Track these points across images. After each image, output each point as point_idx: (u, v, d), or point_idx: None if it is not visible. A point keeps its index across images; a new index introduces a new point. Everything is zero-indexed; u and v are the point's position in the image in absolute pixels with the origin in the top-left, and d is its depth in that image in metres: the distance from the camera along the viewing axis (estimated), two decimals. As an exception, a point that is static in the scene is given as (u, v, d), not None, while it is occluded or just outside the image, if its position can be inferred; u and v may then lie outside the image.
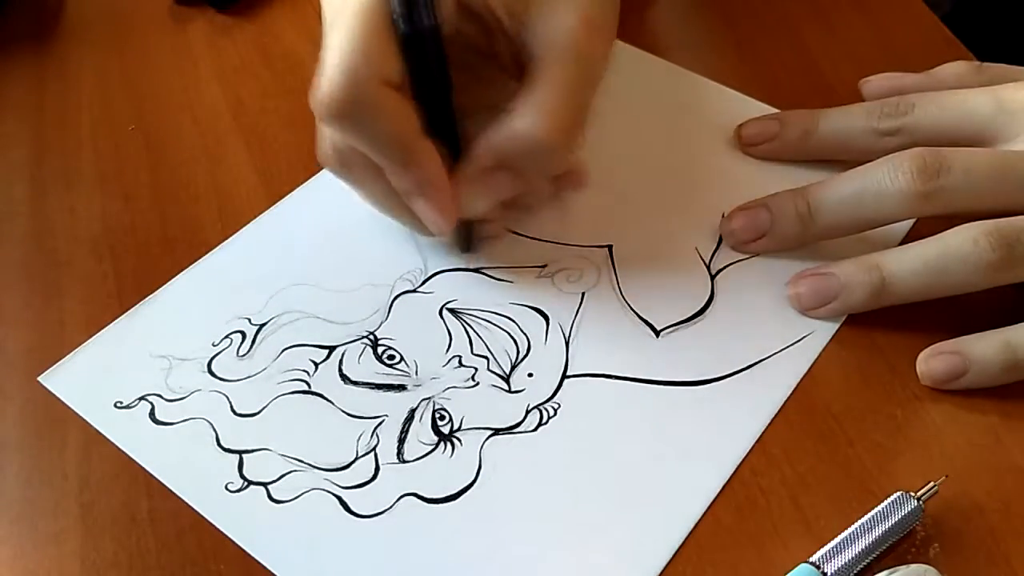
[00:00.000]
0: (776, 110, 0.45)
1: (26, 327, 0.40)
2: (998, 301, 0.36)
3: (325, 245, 0.42)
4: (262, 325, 0.39)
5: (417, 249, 0.41)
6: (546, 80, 0.35)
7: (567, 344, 0.38)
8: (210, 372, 0.38)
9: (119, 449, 0.36)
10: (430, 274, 0.41)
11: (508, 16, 0.36)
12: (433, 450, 0.35)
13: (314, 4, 0.53)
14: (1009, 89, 0.38)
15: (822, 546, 0.32)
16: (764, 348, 0.38)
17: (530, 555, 0.33)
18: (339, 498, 0.34)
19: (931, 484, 0.33)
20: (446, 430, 0.36)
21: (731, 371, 0.37)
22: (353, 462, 0.35)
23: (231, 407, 0.37)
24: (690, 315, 0.39)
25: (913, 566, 0.31)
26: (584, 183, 0.39)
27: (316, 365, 0.38)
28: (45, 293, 0.41)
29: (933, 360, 0.36)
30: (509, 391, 0.37)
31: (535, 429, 0.36)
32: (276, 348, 0.38)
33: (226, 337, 0.39)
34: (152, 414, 0.37)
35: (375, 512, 0.34)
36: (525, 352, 0.38)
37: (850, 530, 0.32)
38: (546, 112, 0.35)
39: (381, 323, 0.39)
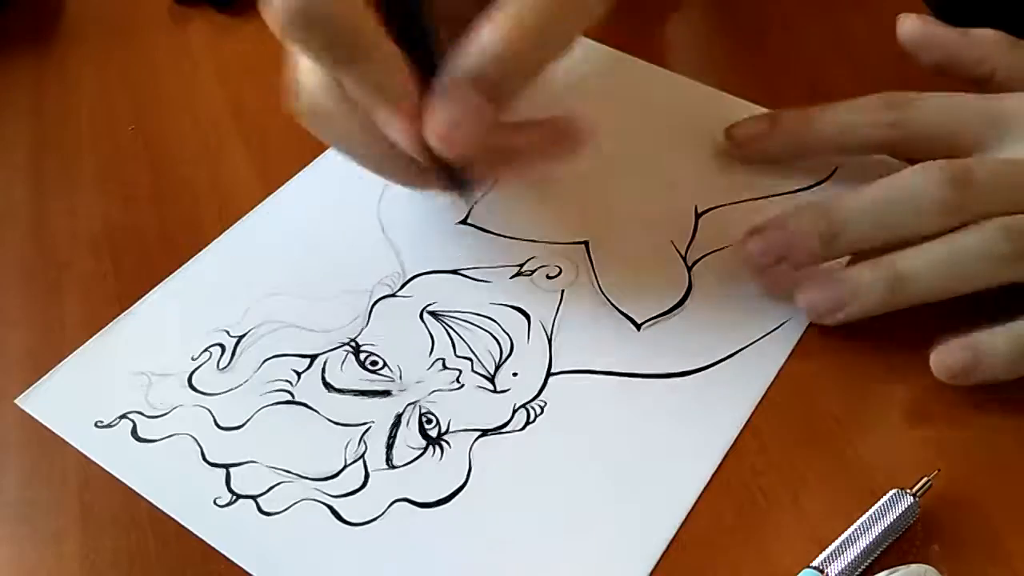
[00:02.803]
0: (754, 106, 0.45)
1: (26, 327, 0.40)
2: (1004, 299, 0.36)
3: (300, 253, 0.42)
4: (241, 337, 0.39)
5: (394, 253, 0.41)
6: None
7: (550, 342, 0.38)
8: (191, 387, 0.37)
9: (119, 449, 0.36)
10: (408, 277, 0.40)
11: None
12: (422, 454, 0.35)
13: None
14: (1007, 99, 0.38)
15: (822, 546, 0.32)
16: (744, 337, 0.38)
17: (524, 554, 0.33)
18: (330, 507, 0.34)
19: (924, 479, 0.33)
20: (434, 433, 0.36)
21: (713, 361, 0.37)
22: (342, 470, 0.35)
23: (215, 421, 0.36)
24: (669, 307, 0.39)
25: (913, 566, 0.31)
26: (582, 143, 0.37)
27: (299, 375, 0.37)
28: (45, 293, 0.41)
29: (947, 356, 0.35)
30: (495, 391, 0.37)
31: (523, 428, 0.36)
32: (257, 359, 0.38)
33: (205, 350, 0.38)
34: (134, 432, 0.36)
35: (367, 519, 0.34)
36: (508, 352, 0.38)
37: (849, 531, 0.32)
38: (512, 19, 0.33)
39: (362, 329, 0.39)
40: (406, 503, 0.34)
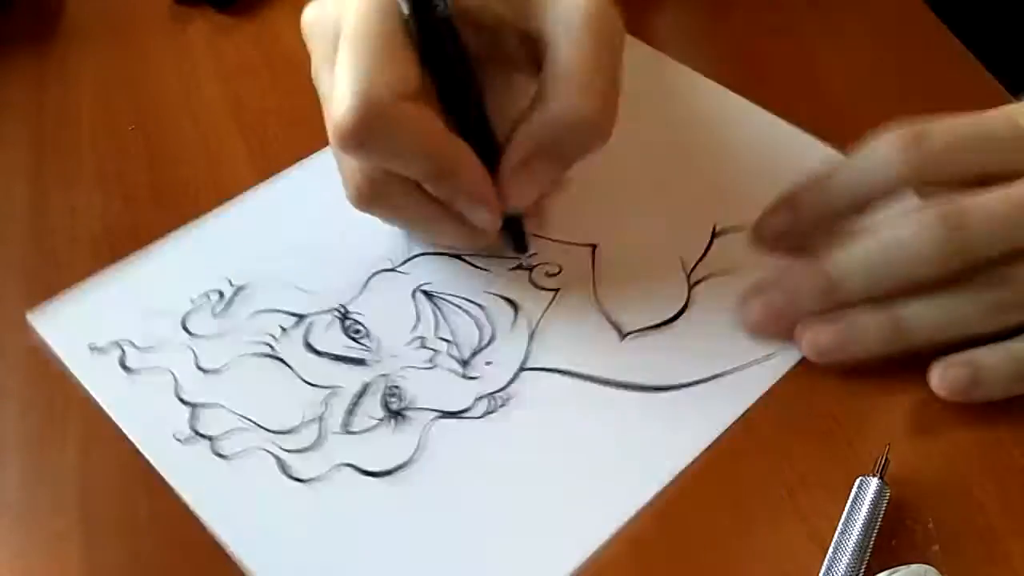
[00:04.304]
0: (779, 119, 0.45)
1: (26, 327, 0.40)
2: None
3: (314, 221, 0.42)
4: (241, 287, 0.40)
5: (404, 232, 0.42)
6: (569, 58, 0.34)
7: (531, 337, 0.38)
8: (183, 326, 0.39)
9: (119, 449, 0.36)
10: (411, 255, 0.41)
11: (510, 11, 0.35)
12: (378, 425, 0.36)
13: (314, 4, 0.54)
14: None
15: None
16: (728, 362, 0.37)
17: (454, 536, 0.33)
18: (279, 459, 0.35)
19: (881, 457, 0.33)
20: (395, 407, 0.36)
21: (689, 381, 0.37)
22: (299, 427, 0.36)
23: (196, 361, 0.38)
24: (660, 321, 0.39)
25: (913, 566, 0.31)
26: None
27: (284, 331, 0.39)
28: (45, 293, 0.41)
29: (948, 372, 0.35)
30: (464, 377, 0.37)
31: (481, 416, 0.36)
32: (249, 310, 0.39)
33: (204, 294, 0.40)
34: (122, 360, 0.38)
35: (310, 477, 0.35)
36: (488, 341, 0.38)
37: (836, 536, 0.32)
38: (579, 88, 0.34)
39: (353, 297, 0.40)
40: (350, 468, 0.35)
